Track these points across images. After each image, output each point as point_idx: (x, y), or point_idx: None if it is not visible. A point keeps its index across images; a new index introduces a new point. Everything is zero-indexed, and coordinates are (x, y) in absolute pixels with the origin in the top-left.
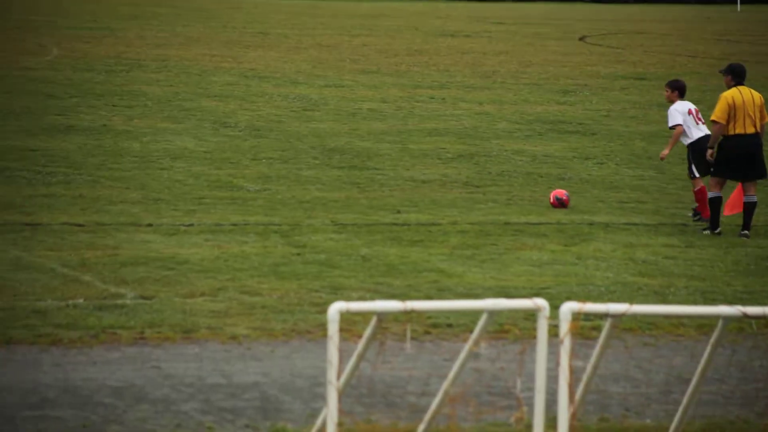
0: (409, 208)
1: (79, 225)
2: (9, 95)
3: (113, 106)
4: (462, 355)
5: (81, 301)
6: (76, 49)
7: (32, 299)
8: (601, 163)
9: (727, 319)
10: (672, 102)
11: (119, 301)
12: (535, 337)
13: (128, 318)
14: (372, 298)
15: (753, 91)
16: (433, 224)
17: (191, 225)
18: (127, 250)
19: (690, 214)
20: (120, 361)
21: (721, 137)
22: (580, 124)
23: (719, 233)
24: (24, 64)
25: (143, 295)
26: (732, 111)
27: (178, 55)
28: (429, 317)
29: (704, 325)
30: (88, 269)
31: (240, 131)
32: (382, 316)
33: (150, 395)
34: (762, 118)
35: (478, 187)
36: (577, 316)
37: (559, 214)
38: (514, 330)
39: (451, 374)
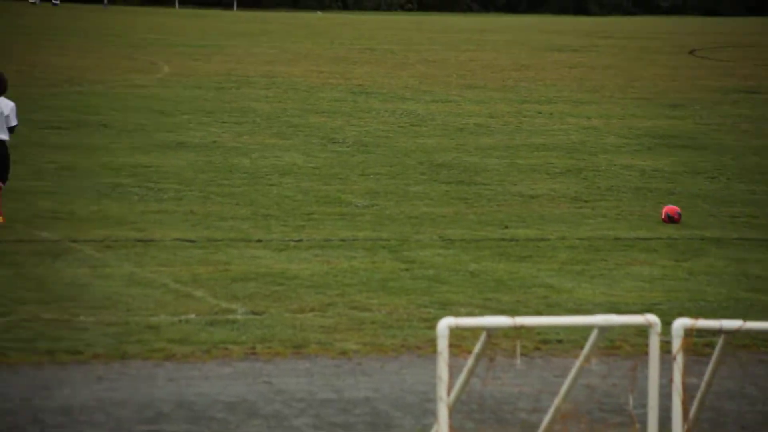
0: (517, 224)
1: (191, 241)
2: (122, 113)
3: (223, 122)
4: (573, 371)
5: (193, 316)
6: (187, 67)
7: (145, 314)
8: (712, 178)
9: None
10: None
11: (230, 317)
12: (646, 353)
13: (239, 333)
14: (481, 314)
15: None
16: (542, 239)
17: (300, 240)
18: (238, 265)
19: None
20: (232, 376)
21: None
22: (690, 138)
23: None
24: (136, 82)
25: (254, 311)
26: None
27: (286, 72)
28: (539, 333)
29: None
30: (200, 285)
31: (348, 147)
32: (492, 332)
33: (262, 410)
34: None
35: (586, 202)
36: (689, 333)
37: (670, 229)
38: (625, 346)
39: (563, 390)
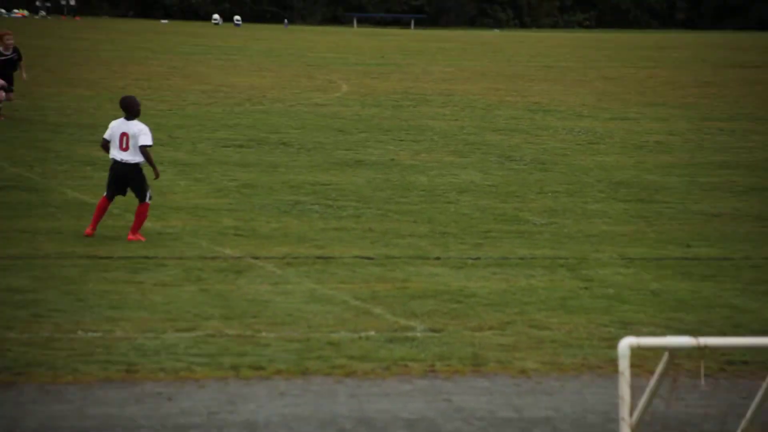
0: (699, 242)
1: (369, 258)
2: (302, 131)
3: (400, 140)
4: (760, 393)
5: (372, 333)
6: (365, 85)
7: (326, 331)
8: None
9: None
10: None
11: (409, 334)
12: None
13: (419, 350)
14: (663, 334)
15: None
16: (725, 259)
17: (478, 258)
18: (416, 283)
19: None
20: (412, 393)
21: None
22: None
23: None
24: (315, 101)
25: (433, 328)
26: None
27: (463, 90)
28: (723, 354)
29: None
30: (379, 302)
31: (525, 165)
32: (674, 352)
33: (442, 428)
34: None
35: None
36: None
37: None
38: None
39: (749, 413)
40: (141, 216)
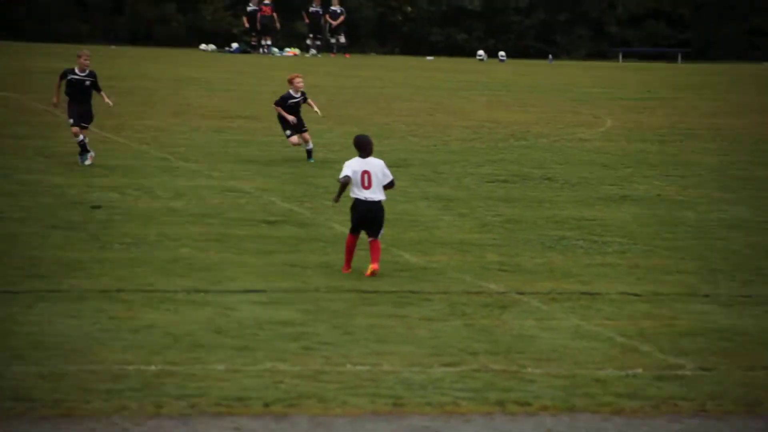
0: None
1: (636, 294)
2: (566, 166)
3: (666, 175)
4: None
5: (640, 370)
6: (630, 120)
7: (592, 368)
8: None
9: None
10: None
11: (678, 372)
12: None
13: (688, 389)
14: None
15: None
16: None
17: (749, 296)
18: (685, 320)
19: None
20: None
21: None
22: None
23: None
24: (579, 136)
25: (703, 366)
26: None
27: (731, 124)
28: None
29: None
30: (646, 339)
31: None
32: None
33: None
34: None
35: None
36: None
37: None
38: None
39: None
40: (378, 249)
